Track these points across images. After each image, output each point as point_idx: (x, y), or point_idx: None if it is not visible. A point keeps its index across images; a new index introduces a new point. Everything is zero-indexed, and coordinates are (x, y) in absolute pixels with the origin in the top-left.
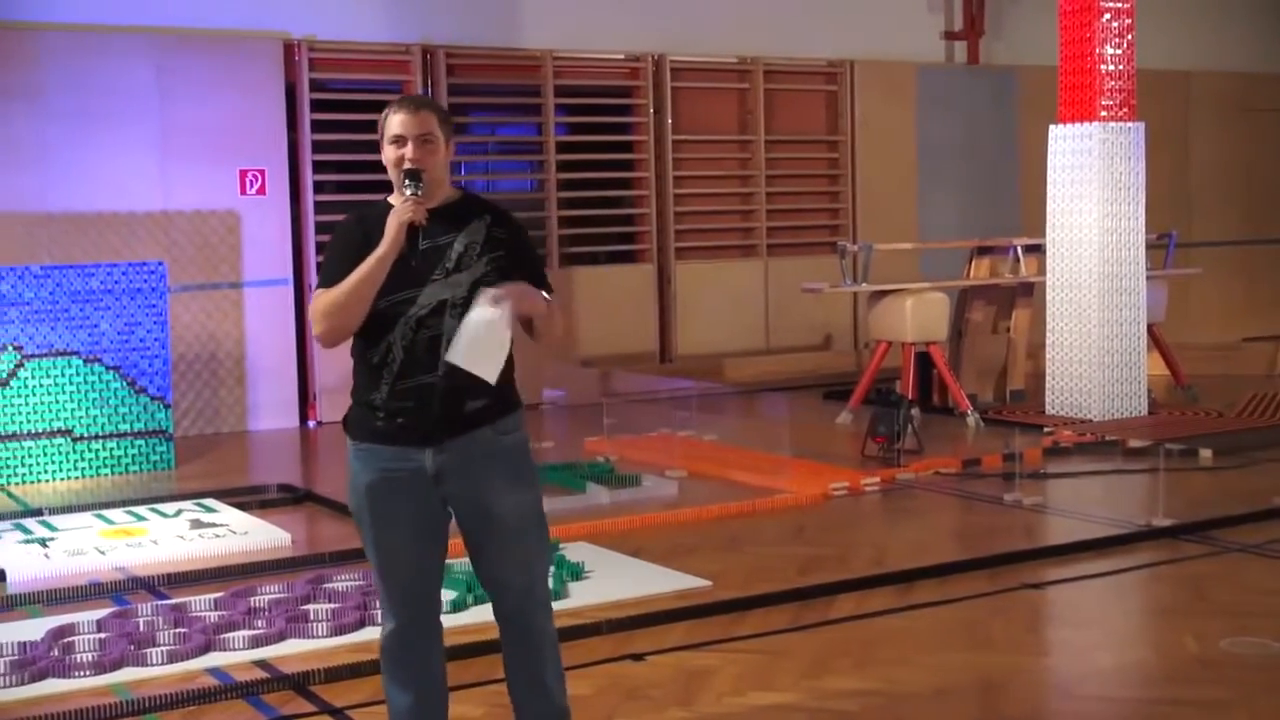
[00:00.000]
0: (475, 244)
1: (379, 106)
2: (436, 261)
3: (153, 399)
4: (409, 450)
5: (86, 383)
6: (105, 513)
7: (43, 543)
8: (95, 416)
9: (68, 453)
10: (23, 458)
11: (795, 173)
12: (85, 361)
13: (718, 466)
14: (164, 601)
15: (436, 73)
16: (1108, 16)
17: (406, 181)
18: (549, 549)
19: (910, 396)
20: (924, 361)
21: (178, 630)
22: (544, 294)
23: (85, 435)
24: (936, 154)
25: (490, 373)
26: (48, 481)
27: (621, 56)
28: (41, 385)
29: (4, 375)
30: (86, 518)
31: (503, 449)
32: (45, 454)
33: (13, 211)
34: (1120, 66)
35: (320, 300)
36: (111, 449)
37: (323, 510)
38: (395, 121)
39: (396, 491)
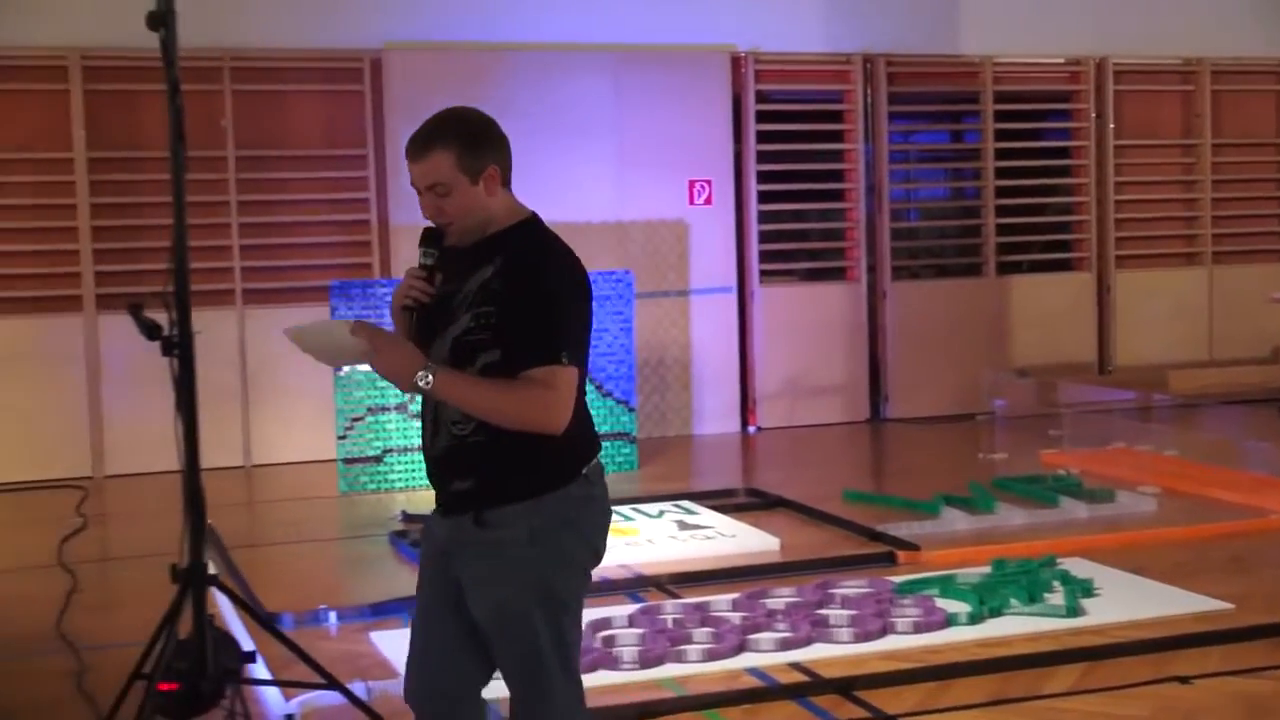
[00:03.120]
0: (469, 294)
1: (820, 116)
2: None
3: (618, 403)
4: (437, 516)
5: None
6: None
7: None
8: None
9: None
10: None
11: (1243, 177)
12: None
13: (1191, 483)
14: (687, 601)
15: (876, 81)
16: None
17: (421, 248)
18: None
19: None
20: None
21: (705, 629)
22: (425, 376)
23: None
24: None
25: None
26: None
27: (1061, 60)
28: None
29: None
30: None
31: (484, 544)
32: None
33: None
34: None
35: None
36: None
37: (796, 516)
38: (409, 171)
39: (426, 555)
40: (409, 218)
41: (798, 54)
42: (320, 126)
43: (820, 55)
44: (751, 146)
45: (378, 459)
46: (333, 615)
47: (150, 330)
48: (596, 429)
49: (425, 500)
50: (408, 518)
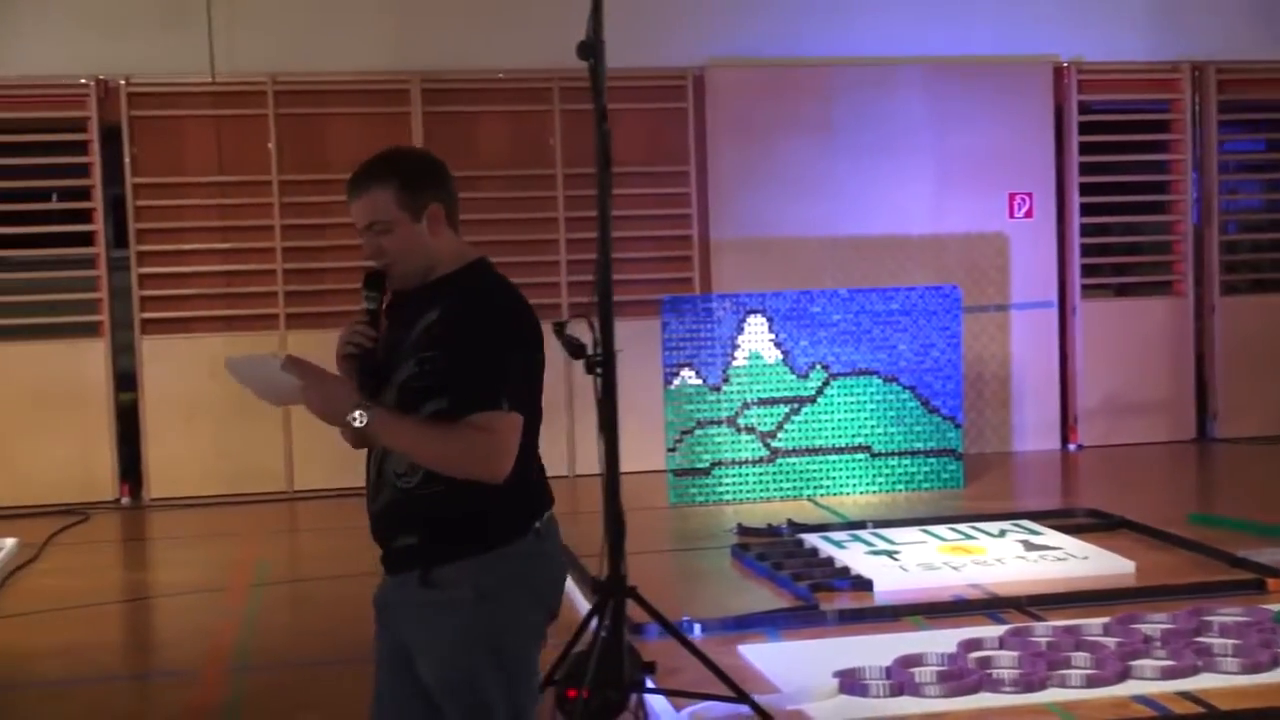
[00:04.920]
0: (415, 339)
1: (1146, 127)
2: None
3: (944, 419)
4: (384, 573)
5: (885, 401)
6: (931, 529)
7: (890, 555)
8: (892, 434)
9: (866, 467)
10: (827, 470)
11: None
12: (884, 380)
13: None
14: (1057, 624)
15: (1205, 90)
16: None
17: (363, 292)
18: None
19: None
20: None
21: (1081, 654)
22: (359, 414)
23: (882, 452)
24: None
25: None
26: (848, 495)
27: None
28: (845, 402)
29: (812, 392)
30: (915, 533)
31: (430, 604)
32: (846, 468)
33: (805, 236)
34: None
35: None
36: (906, 465)
37: (1140, 538)
38: (349, 209)
39: (377, 608)
40: (731, 232)
41: (1122, 63)
42: (644, 143)
43: (1146, 64)
44: (1074, 158)
45: (706, 471)
46: (697, 627)
47: (575, 349)
48: (549, 482)
49: (755, 513)
50: (744, 530)
